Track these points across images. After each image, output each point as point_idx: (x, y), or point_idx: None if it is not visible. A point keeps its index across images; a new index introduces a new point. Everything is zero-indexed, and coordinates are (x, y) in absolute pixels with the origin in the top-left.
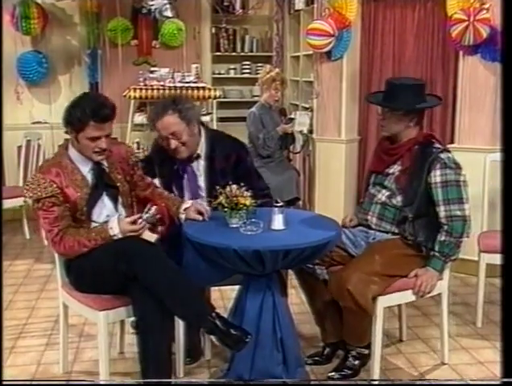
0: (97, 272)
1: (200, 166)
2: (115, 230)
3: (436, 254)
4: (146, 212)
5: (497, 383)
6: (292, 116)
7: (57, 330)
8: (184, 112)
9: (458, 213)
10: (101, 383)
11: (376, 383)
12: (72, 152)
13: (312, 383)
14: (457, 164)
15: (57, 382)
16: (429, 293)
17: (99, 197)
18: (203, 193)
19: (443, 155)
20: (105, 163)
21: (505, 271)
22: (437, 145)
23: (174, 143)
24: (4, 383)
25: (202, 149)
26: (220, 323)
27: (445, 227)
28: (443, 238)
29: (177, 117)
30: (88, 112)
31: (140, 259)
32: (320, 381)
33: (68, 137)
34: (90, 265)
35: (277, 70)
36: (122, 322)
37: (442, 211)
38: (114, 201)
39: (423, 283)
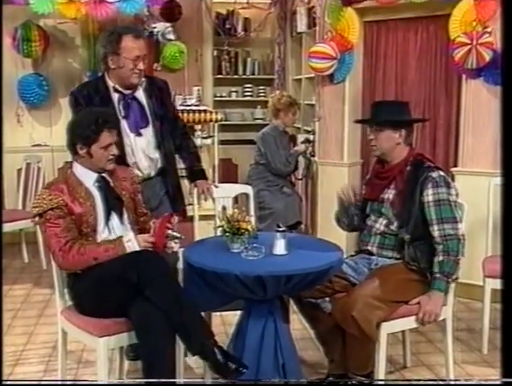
0: (102, 283)
1: (140, 97)
2: (131, 237)
3: (438, 275)
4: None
5: (497, 383)
6: (310, 138)
7: (55, 357)
8: None
9: (452, 232)
10: (101, 383)
11: (379, 383)
12: (77, 168)
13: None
14: (448, 183)
15: (57, 382)
16: (435, 321)
17: (105, 208)
18: (149, 124)
19: (434, 174)
20: (108, 178)
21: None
22: (428, 164)
23: (142, 64)
24: (4, 383)
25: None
26: (219, 353)
27: (440, 246)
28: (441, 258)
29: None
30: (101, 121)
31: (151, 270)
32: (320, 382)
33: (69, 160)
34: (96, 277)
35: (288, 93)
36: (122, 348)
37: (436, 230)
38: (120, 214)
39: (427, 314)
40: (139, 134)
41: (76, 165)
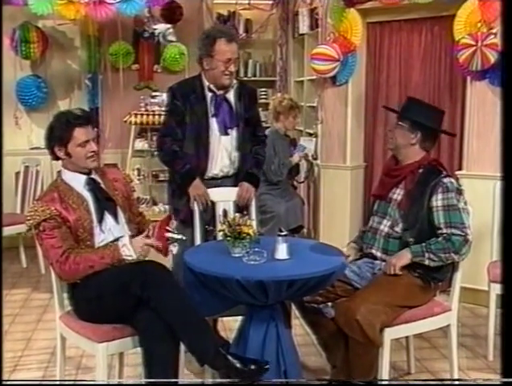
0: (104, 295)
1: (231, 99)
2: (126, 241)
3: (422, 244)
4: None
5: (497, 383)
6: (305, 144)
7: (54, 363)
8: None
9: (459, 233)
10: (101, 383)
11: (379, 383)
12: (65, 174)
13: (312, 383)
14: (460, 190)
15: (56, 382)
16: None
17: (97, 209)
18: (235, 125)
19: (445, 180)
20: (99, 180)
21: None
22: (441, 170)
23: (233, 67)
24: (4, 383)
25: (234, 82)
26: (233, 358)
27: (445, 234)
28: (439, 239)
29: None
30: (71, 119)
31: (155, 283)
32: (321, 381)
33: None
34: (97, 288)
35: (289, 96)
36: (121, 354)
37: (444, 231)
38: (114, 214)
39: (389, 266)
40: (226, 134)
41: (64, 171)
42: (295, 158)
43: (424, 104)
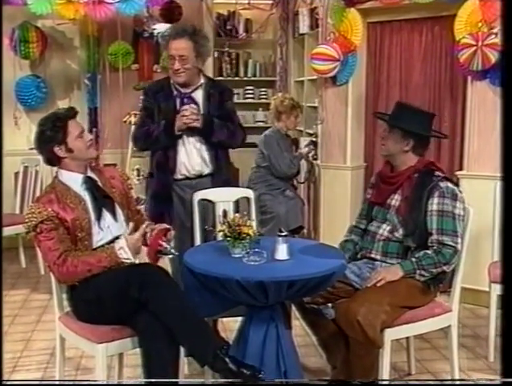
0: (103, 299)
1: (199, 96)
2: (122, 244)
3: (412, 259)
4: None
5: (497, 383)
6: (313, 139)
7: (53, 364)
8: (199, 46)
9: (450, 243)
10: (101, 383)
11: (380, 383)
12: (62, 174)
13: (312, 383)
14: (455, 195)
15: (56, 382)
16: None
17: (95, 207)
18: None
19: (442, 184)
20: (96, 178)
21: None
22: (437, 174)
23: (178, 65)
24: (4, 383)
25: (201, 81)
26: (231, 362)
27: (435, 247)
28: (428, 252)
29: (192, 45)
30: (61, 116)
31: (153, 286)
32: (320, 381)
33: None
34: (96, 291)
35: (290, 96)
36: (121, 355)
37: (434, 238)
38: (112, 212)
39: (378, 277)
40: (191, 131)
41: (61, 172)
42: (305, 150)
43: (414, 110)
